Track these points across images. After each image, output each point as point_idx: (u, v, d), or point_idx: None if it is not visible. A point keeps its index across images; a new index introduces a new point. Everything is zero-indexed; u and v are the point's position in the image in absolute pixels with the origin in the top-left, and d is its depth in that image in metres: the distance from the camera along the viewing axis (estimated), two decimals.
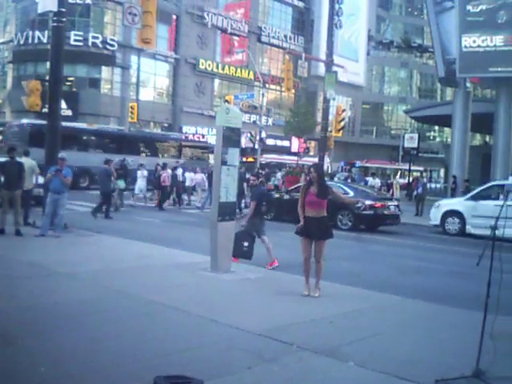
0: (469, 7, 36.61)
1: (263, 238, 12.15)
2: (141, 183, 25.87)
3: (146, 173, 25.94)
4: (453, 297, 9.97)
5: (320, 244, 9.00)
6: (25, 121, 31.84)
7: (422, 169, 60.23)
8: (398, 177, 55.94)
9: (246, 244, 11.63)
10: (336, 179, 32.33)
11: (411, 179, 42.32)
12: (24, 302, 7.70)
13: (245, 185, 25.33)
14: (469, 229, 20.24)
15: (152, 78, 54.23)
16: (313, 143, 61.07)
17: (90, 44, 47.94)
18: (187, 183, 27.84)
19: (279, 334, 6.80)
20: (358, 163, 59.23)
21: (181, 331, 6.79)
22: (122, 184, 23.26)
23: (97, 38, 48.18)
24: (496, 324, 5.81)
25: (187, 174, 28.14)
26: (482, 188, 21.87)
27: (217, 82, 59.38)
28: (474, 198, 20.91)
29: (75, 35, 47.13)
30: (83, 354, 5.80)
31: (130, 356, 5.75)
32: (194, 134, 53.85)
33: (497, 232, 5.75)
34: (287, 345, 6.41)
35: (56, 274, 9.54)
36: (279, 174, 37.18)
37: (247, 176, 27.35)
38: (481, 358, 5.56)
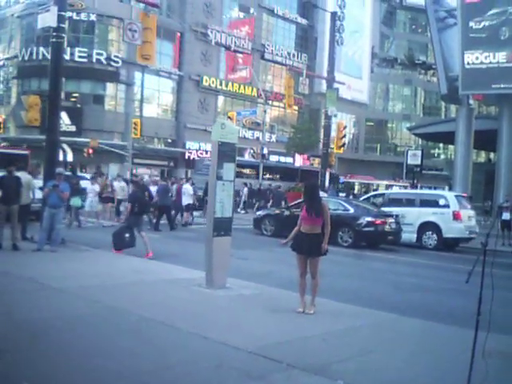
0: (471, 24, 36.65)
1: (142, 234, 14.83)
2: (93, 199, 23.43)
3: (97, 188, 24.14)
4: (448, 314, 9.88)
5: (314, 260, 8.92)
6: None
7: (405, 184, 60.06)
8: None
9: (127, 235, 14.53)
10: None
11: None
12: (16, 317, 7.65)
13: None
14: None
15: (156, 95, 54.32)
16: (317, 160, 61.00)
17: (94, 60, 48.06)
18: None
19: (270, 351, 6.69)
20: (342, 179, 59.16)
21: (169, 348, 6.70)
22: (77, 202, 21.88)
23: (101, 54, 48.33)
24: (489, 342, 5.71)
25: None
26: (365, 197, 24.95)
27: (220, 98, 59.49)
28: None
29: (79, 51, 47.29)
30: (69, 369, 5.72)
31: (115, 373, 5.67)
32: (197, 150, 53.89)
33: None
34: (277, 363, 6.31)
35: (50, 289, 9.47)
36: (245, 190, 37.24)
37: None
38: (472, 376, 5.45)
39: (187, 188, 25.19)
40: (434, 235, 21.34)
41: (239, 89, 58.96)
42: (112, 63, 48.74)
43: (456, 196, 23.01)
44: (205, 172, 35.83)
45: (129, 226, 14.79)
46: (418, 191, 26.43)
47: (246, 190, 30.88)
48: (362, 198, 25.14)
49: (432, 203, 21.96)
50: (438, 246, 21.18)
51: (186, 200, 24.83)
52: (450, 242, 21.60)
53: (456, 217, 21.10)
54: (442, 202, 21.69)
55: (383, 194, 24.94)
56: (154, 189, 25.56)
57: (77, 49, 46.98)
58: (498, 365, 6.32)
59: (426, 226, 21.55)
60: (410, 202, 22.69)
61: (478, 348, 5.59)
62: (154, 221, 22.54)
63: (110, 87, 51.11)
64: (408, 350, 7.27)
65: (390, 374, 6.20)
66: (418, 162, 40.46)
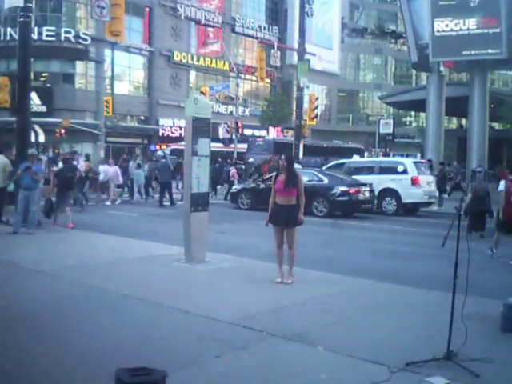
0: None
1: (66, 209, 15.73)
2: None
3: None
4: (425, 279, 10.05)
5: (291, 231, 9.05)
6: (268, 137, 43.23)
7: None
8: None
9: (47, 207, 15.86)
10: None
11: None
12: None
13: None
14: None
15: (127, 72, 53.79)
16: (290, 132, 61.05)
17: (62, 39, 47.31)
18: (101, 177, 24.78)
19: (250, 321, 6.81)
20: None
21: (150, 323, 6.77)
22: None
23: (69, 32, 47.58)
24: (467, 305, 5.85)
25: (101, 167, 25.46)
26: (327, 166, 25.42)
27: (192, 73, 59.09)
28: None
29: (48, 30, 46.50)
30: (51, 350, 5.78)
31: (97, 350, 5.73)
32: (171, 127, 53.60)
33: None
34: (258, 332, 6.43)
35: (28, 272, 9.45)
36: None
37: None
38: (452, 339, 5.58)
39: None
40: (394, 201, 21.87)
41: (211, 63, 58.58)
42: (81, 41, 48.05)
43: (414, 162, 23.77)
44: (258, 151, 37.54)
45: (51, 201, 16.06)
46: (377, 159, 26.96)
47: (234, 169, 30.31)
48: (324, 168, 25.32)
49: (391, 170, 22.56)
50: (397, 212, 21.71)
51: None
52: (410, 206, 22.14)
53: (414, 182, 21.68)
54: (400, 168, 22.25)
55: (344, 163, 25.28)
56: (103, 168, 25.05)
57: (44, 28, 46.17)
58: (476, 327, 6.49)
59: (385, 193, 22.07)
60: (369, 170, 23.28)
61: (457, 311, 5.73)
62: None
63: (80, 65, 50.48)
64: (386, 315, 7.41)
65: (369, 339, 6.32)
66: (390, 131, 40.85)
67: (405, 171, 22.04)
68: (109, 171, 24.80)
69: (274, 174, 10.09)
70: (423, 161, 25.60)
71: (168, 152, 39.05)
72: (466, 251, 5.61)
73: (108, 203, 24.19)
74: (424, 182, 22.16)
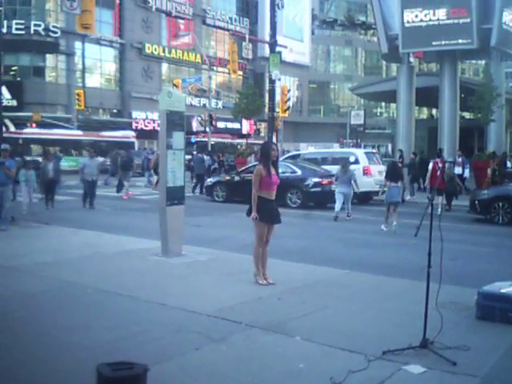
0: None
1: None
2: None
3: None
4: (399, 268, 10.20)
5: (273, 227, 8.62)
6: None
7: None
8: None
9: None
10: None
11: None
12: None
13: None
14: None
15: (98, 64, 53.42)
16: (263, 124, 61.14)
17: (32, 32, 46.92)
18: None
19: (229, 313, 6.88)
20: (194, 138, 56.07)
21: (129, 317, 6.78)
22: None
23: (39, 25, 47.17)
24: (442, 293, 5.94)
25: None
26: (283, 157, 25.18)
27: (164, 65, 58.87)
28: None
29: (17, 24, 46.09)
30: (31, 346, 5.75)
31: (75, 346, 5.72)
32: (144, 120, 53.32)
33: None
34: (236, 323, 6.50)
35: (2, 268, 9.34)
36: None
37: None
38: (428, 328, 5.66)
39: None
40: None
41: (183, 55, 58.44)
42: (51, 34, 47.69)
43: (366, 153, 24.32)
44: None
45: None
46: (330, 150, 27.36)
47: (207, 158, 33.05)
48: (281, 158, 25.46)
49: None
50: (351, 201, 22.00)
51: None
52: (362, 195, 22.34)
53: (366, 172, 22.35)
54: (352, 158, 22.41)
55: (299, 155, 25.86)
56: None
57: (14, 21, 45.70)
58: (451, 315, 6.62)
59: None
60: (323, 161, 23.79)
61: (431, 300, 5.80)
62: None
63: (50, 58, 50.07)
64: (362, 304, 7.51)
65: (346, 329, 6.43)
66: (361, 122, 41.19)
67: (356, 161, 22.41)
68: None
69: (256, 165, 8.84)
70: (375, 151, 26.12)
71: None
72: (439, 240, 5.71)
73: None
74: (375, 172, 22.74)
